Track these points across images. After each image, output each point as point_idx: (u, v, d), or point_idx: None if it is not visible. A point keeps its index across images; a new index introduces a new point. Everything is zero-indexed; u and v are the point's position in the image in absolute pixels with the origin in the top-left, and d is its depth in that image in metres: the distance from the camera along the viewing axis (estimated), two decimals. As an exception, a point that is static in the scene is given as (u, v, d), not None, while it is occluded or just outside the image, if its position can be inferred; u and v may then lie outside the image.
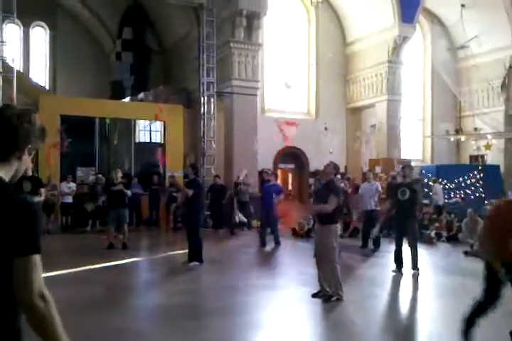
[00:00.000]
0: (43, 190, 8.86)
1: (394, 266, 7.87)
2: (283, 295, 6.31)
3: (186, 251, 8.30)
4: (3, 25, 12.66)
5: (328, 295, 5.84)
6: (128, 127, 15.40)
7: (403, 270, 7.79)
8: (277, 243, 10.67)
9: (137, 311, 5.54)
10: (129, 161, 15.19)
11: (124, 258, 8.79)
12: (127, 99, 16.77)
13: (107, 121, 14.54)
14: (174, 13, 16.91)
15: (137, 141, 15.84)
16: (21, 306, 1.46)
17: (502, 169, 18.07)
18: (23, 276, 1.45)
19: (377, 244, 10.31)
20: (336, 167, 6.25)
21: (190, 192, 8.04)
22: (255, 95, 15.67)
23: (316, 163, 16.65)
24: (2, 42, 12.55)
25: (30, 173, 7.50)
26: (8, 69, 12.73)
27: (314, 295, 5.95)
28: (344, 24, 19.08)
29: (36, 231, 1.50)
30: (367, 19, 18.16)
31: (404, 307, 6.29)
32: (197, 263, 8.02)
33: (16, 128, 1.58)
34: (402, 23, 17.23)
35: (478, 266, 8.48)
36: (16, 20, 12.80)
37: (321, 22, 18.82)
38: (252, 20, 15.44)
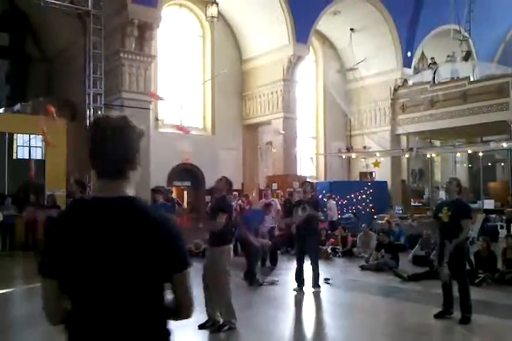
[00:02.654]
0: None
1: (294, 284, 7.51)
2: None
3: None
4: None
5: (219, 325, 5.21)
6: (2, 142, 13.77)
7: (304, 288, 7.45)
8: None
9: None
10: (4, 179, 13.53)
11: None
12: (1, 111, 15.04)
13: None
14: (58, 19, 15.63)
15: (14, 157, 14.24)
16: (182, 310, 1.55)
17: (389, 185, 18.95)
18: (186, 287, 1.53)
19: (274, 261, 9.98)
20: (228, 182, 5.74)
21: (55, 211, 7.10)
22: (148, 109, 14.86)
23: (212, 180, 16.06)
24: None
25: None
26: None
27: (201, 326, 5.27)
28: (240, 41, 19.09)
29: (184, 246, 1.57)
30: (262, 37, 18.33)
31: (309, 331, 5.87)
32: None
33: (134, 142, 1.54)
34: (296, 43, 17.61)
35: (375, 280, 8.57)
36: None
37: (217, 38, 18.67)
38: (144, 30, 14.72)
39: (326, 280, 8.16)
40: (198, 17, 18.72)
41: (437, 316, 5.75)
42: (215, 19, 18.37)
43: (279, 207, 10.74)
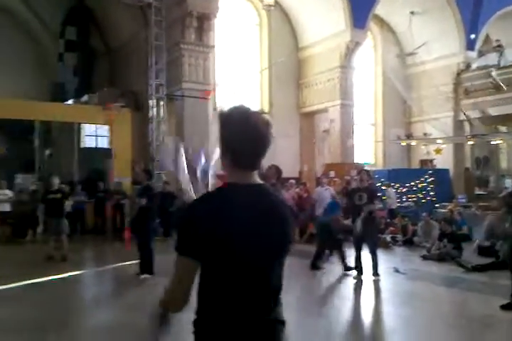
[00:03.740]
0: None
1: (354, 273, 7.58)
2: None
3: (135, 262, 7.71)
4: None
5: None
6: (72, 131, 14.53)
7: (363, 276, 7.51)
8: None
9: (85, 332, 4.95)
10: (73, 167, 14.31)
11: (68, 271, 8.11)
12: (70, 102, 15.84)
13: (38, 124, 13.49)
14: (121, 12, 16.19)
15: (82, 146, 14.97)
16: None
17: (451, 173, 18.40)
18: (281, 273, 1.70)
19: (332, 250, 10.03)
20: (278, 170, 5.85)
21: (144, 200, 7.44)
22: (207, 98, 15.18)
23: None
24: None
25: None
26: None
27: None
28: (296, 29, 18.99)
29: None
30: (319, 24, 18.13)
31: (368, 318, 5.95)
32: (148, 275, 7.45)
33: (270, 136, 1.64)
34: (353, 28, 17.29)
35: (437, 270, 8.47)
36: None
37: (274, 26, 18.66)
38: (203, 21, 14.97)
39: (396, 269, 8.12)
40: (254, 5, 18.77)
41: (504, 307, 5.65)
42: (272, 7, 18.44)
43: (334, 193, 10.67)
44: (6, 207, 12.03)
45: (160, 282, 6.96)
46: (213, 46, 15.85)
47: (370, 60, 21.07)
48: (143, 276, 7.44)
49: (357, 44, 17.72)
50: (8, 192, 12.16)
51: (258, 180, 1.66)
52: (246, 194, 1.60)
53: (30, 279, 7.33)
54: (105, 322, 5.27)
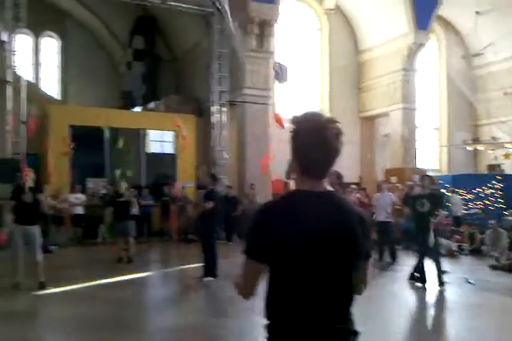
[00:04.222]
0: (43, 202, 7.93)
1: (417, 281, 7.46)
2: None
3: (199, 265, 7.94)
4: (14, 35, 12.51)
5: None
6: (139, 137, 15.16)
7: (427, 285, 7.37)
8: None
9: (150, 332, 5.16)
10: (140, 172, 14.92)
11: (135, 273, 8.45)
12: (138, 109, 16.54)
13: (108, 130, 14.15)
14: (185, 21, 16.73)
15: (148, 151, 15.55)
16: (356, 294, 1.74)
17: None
18: (364, 274, 1.77)
19: (394, 257, 9.87)
20: (339, 176, 5.84)
21: (210, 204, 7.60)
22: (267, 104, 15.38)
23: (330, 174, 16.24)
24: (12, 51, 12.39)
25: (28, 184, 7.07)
26: (18, 78, 12.56)
27: None
28: (357, 32, 18.84)
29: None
30: (380, 27, 17.91)
31: (436, 330, 5.85)
32: (211, 278, 7.64)
33: (341, 145, 1.66)
34: (417, 30, 16.95)
35: (507, 280, 8.16)
36: (26, 30, 12.60)
37: (333, 30, 18.62)
38: (264, 27, 15.21)
39: (467, 280, 7.88)
40: (315, 10, 18.81)
41: None
42: (332, 11, 18.42)
43: (394, 200, 10.47)
44: (79, 210, 12.74)
45: (222, 285, 7.23)
46: (273, 52, 16.06)
47: (433, 62, 20.53)
48: (206, 279, 7.60)
49: (420, 46, 17.35)
50: (81, 196, 12.87)
51: (327, 188, 1.68)
52: (314, 200, 1.62)
53: (100, 279, 7.70)
54: (171, 323, 5.46)
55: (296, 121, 1.67)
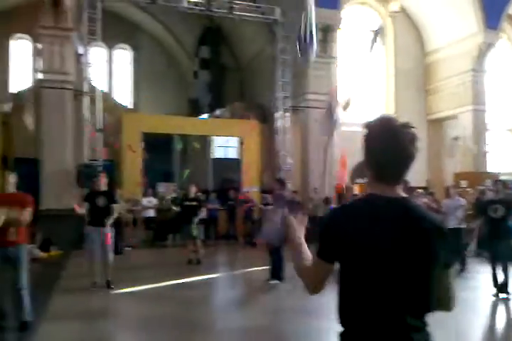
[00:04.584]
0: (116, 206, 8.06)
1: (490, 289, 7.22)
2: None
3: (264, 268, 8.11)
4: (89, 48, 13.38)
5: None
6: (205, 143, 15.68)
7: (503, 295, 7.11)
8: None
9: (219, 332, 5.37)
10: (207, 177, 15.41)
11: (203, 274, 8.74)
12: (205, 116, 17.12)
13: (178, 137, 14.77)
14: (249, 30, 17.14)
15: (214, 156, 16.03)
16: (444, 309, 1.70)
17: None
18: (447, 286, 1.67)
19: (463, 264, 9.55)
20: (404, 181, 5.76)
21: (284, 211, 7.67)
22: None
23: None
24: (88, 64, 13.23)
25: (103, 188, 7.55)
26: (94, 89, 13.40)
27: None
28: (423, 33, 18.44)
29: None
30: (447, 27, 17.44)
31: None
32: (277, 281, 7.77)
33: (416, 150, 1.64)
34: (486, 30, 16.35)
35: None
36: (101, 43, 13.44)
37: (399, 32, 18.33)
38: (327, 33, 15.27)
39: None
40: (379, 13, 18.61)
41: None
42: (397, 14, 18.14)
43: (464, 205, 10.10)
44: (151, 213, 13.37)
45: (288, 288, 7.36)
46: (336, 57, 16.06)
47: (505, 61, 19.65)
48: (273, 282, 7.74)
49: (489, 45, 16.72)
50: (153, 200, 13.50)
51: (402, 194, 1.64)
52: (387, 205, 1.59)
53: (170, 280, 8.01)
54: (239, 323, 5.63)
55: (369, 125, 1.66)
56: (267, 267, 8.05)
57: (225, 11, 14.39)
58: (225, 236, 14.20)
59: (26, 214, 5.10)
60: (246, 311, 6.31)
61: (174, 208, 10.51)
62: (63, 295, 6.83)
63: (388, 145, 1.59)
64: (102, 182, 7.43)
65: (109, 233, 7.35)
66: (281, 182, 8.38)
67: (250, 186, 14.75)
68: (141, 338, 4.90)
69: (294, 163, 15.33)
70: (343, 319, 1.64)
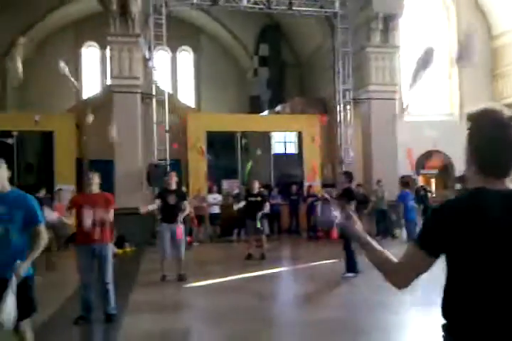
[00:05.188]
0: (186, 203, 8.32)
1: None
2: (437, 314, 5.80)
3: (332, 261, 8.12)
4: (155, 52, 13.92)
5: None
6: (266, 140, 15.88)
7: None
8: None
9: (290, 325, 5.48)
10: (270, 172, 15.62)
11: (269, 268, 8.89)
12: (265, 113, 17.32)
13: (240, 134, 15.05)
14: (308, 25, 17.11)
15: (274, 152, 16.16)
16: None
17: None
18: None
19: None
20: None
21: (352, 204, 7.65)
22: (394, 99, 15.12)
23: (461, 168, 15.42)
24: (154, 67, 13.78)
25: (174, 187, 7.88)
26: (160, 92, 13.96)
27: None
28: (488, 17, 17.61)
29: None
30: (515, 9, 16.55)
31: None
32: (350, 274, 7.75)
33: None
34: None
35: None
36: (166, 47, 13.95)
37: (463, 17, 17.59)
38: (388, 22, 14.95)
39: None
40: (442, -1, 17.97)
41: None
42: (461, -2, 17.43)
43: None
44: (216, 209, 13.79)
45: (362, 281, 7.39)
46: (399, 46, 15.71)
47: None
48: (346, 275, 7.73)
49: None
50: (218, 196, 13.91)
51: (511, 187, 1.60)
52: (499, 198, 1.56)
53: (238, 274, 8.23)
54: (311, 316, 5.70)
55: (474, 117, 1.63)
56: (335, 260, 8.02)
57: (284, 7, 14.48)
58: (288, 231, 14.37)
59: (111, 214, 5.50)
60: (319, 304, 6.34)
61: (236, 206, 10.75)
62: (141, 289, 7.26)
63: (497, 138, 1.56)
64: (173, 181, 7.81)
65: (181, 229, 7.74)
66: (349, 175, 8.22)
67: (312, 180, 14.83)
68: (217, 329, 5.12)
69: (355, 156, 15.22)
70: (451, 312, 1.60)
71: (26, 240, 3.29)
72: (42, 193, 9.98)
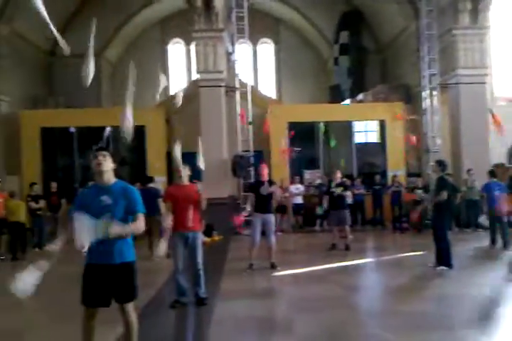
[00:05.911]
0: (277, 193, 8.87)
1: None
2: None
3: (418, 253, 7.96)
4: (237, 46, 14.23)
5: None
6: (347, 129, 15.70)
7: None
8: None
9: (383, 315, 5.47)
10: (352, 162, 15.47)
11: (354, 259, 8.88)
12: (347, 102, 17.11)
13: (322, 124, 14.98)
14: (390, 10, 16.61)
15: (356, 142, 15.97)
16: None
17: None
18: None
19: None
20: None
21: (445, 194, 7.41)
22: (484, 83, 14.32)
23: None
24: (236, 61, 14.10)
25: (266, 178, 8.12)
26: (243, 84, 14.27)
27: None
28: None
29: None
30: None
31: None
32: (444, 267, 7.53)
33: None
34: None
35: None
36: (247, 40, 14.23)
37: None
38: (477, 2, 14.13)
39: None
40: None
41: None
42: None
43: None
44: (299, 200, 13.95)
45: (454, 275, 7.19)
46: (489, 26, 14.83)
47: None
48: (439, 268, 7.51)
49: None
50: (300, 186, 14.05)
51: None
52: None
53: (323, 264, 8.28)
54: (400, 308, 5.58)
55: None
56: (423, 252, 7.82)
57: (365, -8, 14.20)
58: (371, 222, 14.18)
59: (203, 204, 5.83)
60: (406, 297, 6.22)
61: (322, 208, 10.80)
62: (230, 277, 7.56)
63: None
64: (264, 173, 8.07)
65: (273, 219, 8.00)
66: (443, 164, 7.89)
67: (395, 169, 14.51)
68: (308, 318, 5.21)
69: (442, 145, 14.63)
70: None
71: None
72: (137, 186, 10.68)
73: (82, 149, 14.64)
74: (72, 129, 14.58)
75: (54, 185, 12.41)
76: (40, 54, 17.61)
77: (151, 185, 10.10)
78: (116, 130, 14.13)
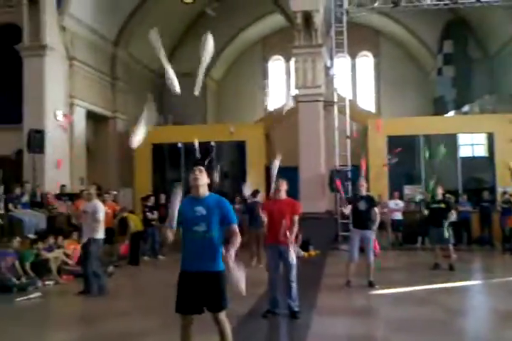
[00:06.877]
0: (376, 209, 8.35)
1: None
2: None
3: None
4: (335, 60, 14.30)
5: None
6: (452, 142, 15.00)
7: None
8: None
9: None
10: (457, 177, 14.73)
11: (459, 280, 8.43)
12: (451, 114, 16.38)
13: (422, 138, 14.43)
14: (498, 17, 15.74)
15: (461, 155, 15.20)
16: None
17: None
18: None
19: None
20: None
21: None
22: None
23: None
24: (334, 75, 14.17)
25: (364, 193, 8.03)
26: (341, 98, 14.28)
27: None
28: None
29: None
30: None
31: None
32: None
33: None
34: None
35: None
36: (346, 54, 14.27)
37: None
38: None
39: None
40: None
41: None
42: None
43: None
44: (399, 216, 13.53)
45: None
46: None
47: None
48: None
49: None
50: (400, 202, 13.64)
51: None
52: None
53: (424, 284, 7.96)
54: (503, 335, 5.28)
55: None
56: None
57: (472, 0, 13.63)
58: (478, 241, 13.34)
59: (296, 220, 5.96)
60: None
61: (425, 212, 10.35)
62: (327, 292, 7.56)
63: None
64: (363, 187, 8.02)
65: (372, 236, 7.87)
66: None
67: (505, 186, 13.55)
68: (407, 340, 5.14)
69: None
70: None
71: (221, 237, 3.69)
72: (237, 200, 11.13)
73: (188, 163, 15.49)
74: (180, 145, 15.49)
75: (163, 197, 13.04)
76: (151, 75, 18.99)
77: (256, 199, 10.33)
78: (220, 145, 15.02)
